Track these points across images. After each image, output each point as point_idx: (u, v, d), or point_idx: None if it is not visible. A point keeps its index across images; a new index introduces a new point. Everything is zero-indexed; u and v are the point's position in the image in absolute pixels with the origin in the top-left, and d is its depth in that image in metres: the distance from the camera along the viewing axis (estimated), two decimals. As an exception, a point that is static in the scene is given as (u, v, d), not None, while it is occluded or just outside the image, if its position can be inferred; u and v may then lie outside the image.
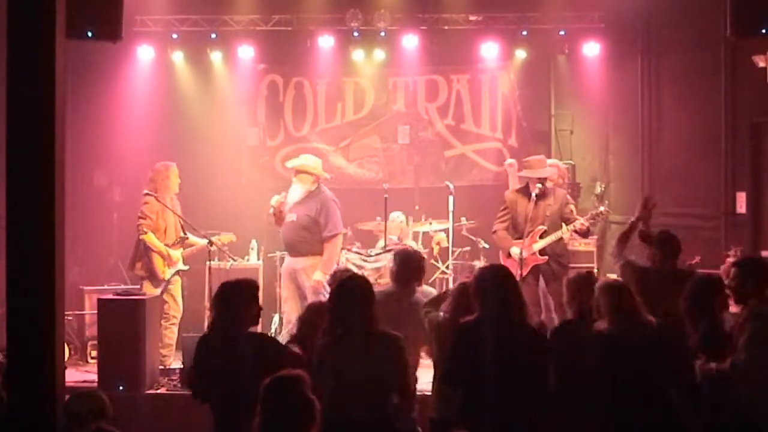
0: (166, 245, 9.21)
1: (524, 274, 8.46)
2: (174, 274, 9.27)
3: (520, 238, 8.64)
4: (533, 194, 8.68)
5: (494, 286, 5.46)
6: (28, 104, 5.28)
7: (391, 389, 5.34)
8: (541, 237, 8.65)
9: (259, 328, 9.24)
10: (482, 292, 5.48)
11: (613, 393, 5.31)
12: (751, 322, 5.47)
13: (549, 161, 9.69)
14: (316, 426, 4.33)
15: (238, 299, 5.64)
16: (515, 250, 8.58)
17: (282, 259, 9.71)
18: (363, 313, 5.35)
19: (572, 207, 8.91)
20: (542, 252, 8.63)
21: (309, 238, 8.94)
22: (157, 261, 9.16)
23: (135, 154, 11.07)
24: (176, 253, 9.26)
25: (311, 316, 6.00)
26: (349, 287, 5.48)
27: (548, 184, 8.91)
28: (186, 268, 9.40)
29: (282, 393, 4.34)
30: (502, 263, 8.84)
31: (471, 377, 5.34)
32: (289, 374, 4.46)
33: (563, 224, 8.66)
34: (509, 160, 10.15)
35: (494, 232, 8.95)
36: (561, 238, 8.70)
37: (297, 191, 9.06)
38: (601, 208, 9.02)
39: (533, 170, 8.85)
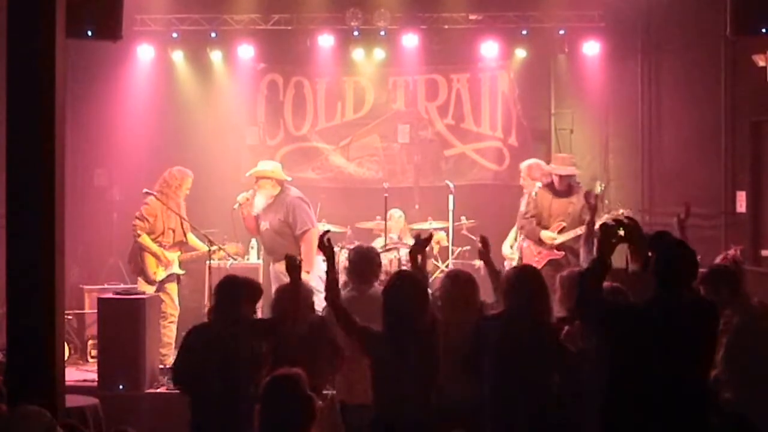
0: (164, 247, 9.22)
1: (541, 266, 8.50)
2: (168, 277, 9.26)
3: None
4: (534, 190, 8.83)
5: (522, 286, 5.56)
6: (28, 104, 5.29)
7: (433, 383, 5.49)
8: (560, 232, 8.75)
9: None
10: (510, 290, 5.58)
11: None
12: (726, 336, 5.52)
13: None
14: (315, 423, 4.37)
15: (241, 295, 5.73)
16: (546, 234, 8.78)
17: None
18: (415, 310, 5.44)
19: None
20: (559, 247, 8.73)
21: (286, 242, 8.99)
22: (149, 262, 9.18)
23: (135, 153, 11.07)
24: (172, 256, 9.26)
25: (280, 301, 6.00)
26: (402, 284, 5.56)
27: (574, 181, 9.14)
28: (182, 272, 9.40)
29: (281, 392, 4.38)
30: (527, 257, 8.95)
31: (490, 368, 5.46)
32: (287, 373, 4.50)
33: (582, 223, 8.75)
34: (528, 162, 10.02)
35: (521, 227, 9.13)
36: (579, 236, 8.75)
37: (261, 198, 9.14)
38: (621, 211, 9.02)
39: (558, 166, 9.03)
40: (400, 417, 5.38)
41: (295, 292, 5.90)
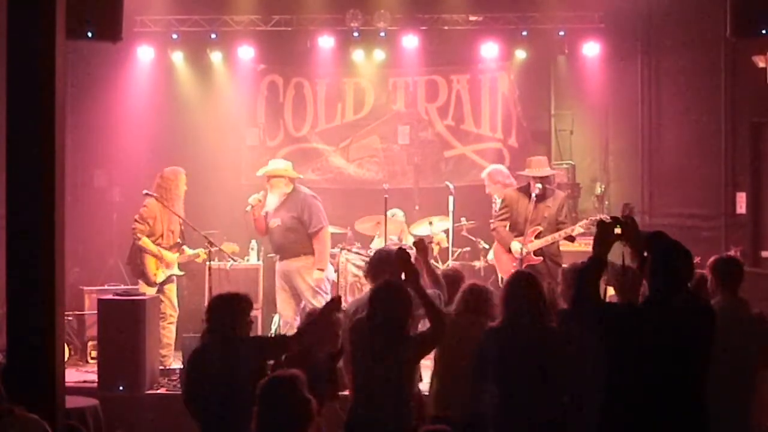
0: (163, 248, 9.22)
1: None
2: (167, 278, 9.26)
3: (518, 236, 8.67)
4: (533, 195, 8.70)
5: (520, 293, 5.61)
6: (28, 104, 5.29)
7: (410, 388, 5.53)
8: (536, 237, 8.67)
9: (260, 329, 9.37)
10: (508, 298, 5.63)
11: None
12: None
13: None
14: (313, 425, 4.36)
15: (234, 310, 5.68)
16: (516, 246, 8.60)
17: (282, 260, 9.74)
18: (399, 317, 5.48)
19: (566, 212, 8.92)
20: (536, 252, 8.63)
21: (297, 239, 9.02)
22: (150, 264, 9.17)
23: (135, 154, 11.07)
24: (172, 257, 9.26)
25: (320, 326, 5.97)
26: (388, 293, 5.59)
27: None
28: (181, 273, 9.41)
29: (278, 393, 4.37)
30: (498, 258, 8.91)
31: (498, 377, 5.51)
32: (285, 374, 4.48)
33: (558, 228, 8.68)
34: (489, 169, 10.03)
35: (493, 229, 9.01)
36: (556, 240, 8.69)
37: (274, 196, 9.15)
38: (599, 215, 8.99)
39: (532, 169, 8.89)
40: (374, 419, 5.42)
41: (328, 320, 5.90)
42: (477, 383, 5.66)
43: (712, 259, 6.16)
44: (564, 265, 6.31)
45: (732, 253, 8.80)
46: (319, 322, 5.87)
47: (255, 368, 5.44)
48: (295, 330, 6.28)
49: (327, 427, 5.75)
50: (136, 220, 9.17)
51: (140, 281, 9.27)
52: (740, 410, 5.75)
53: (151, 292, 9.10)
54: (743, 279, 6.07)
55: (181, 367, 8.23)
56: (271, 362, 5.73)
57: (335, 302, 5.97)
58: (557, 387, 5.51)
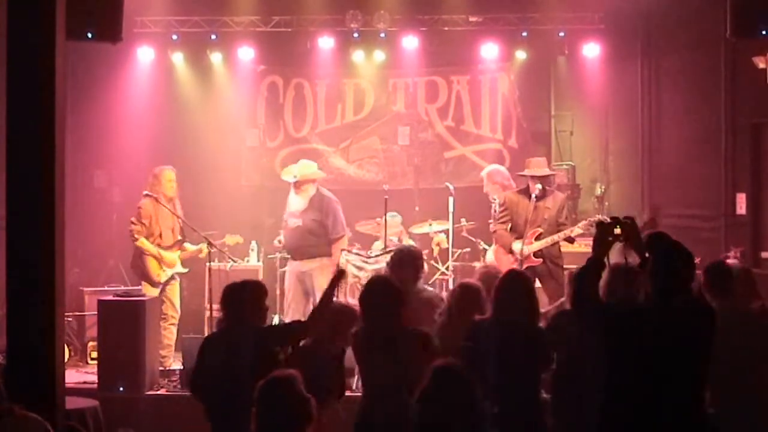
0: (163, 248, 9.22)
1: None
2: (171, 277, 9.27)
3: (518, 238, 8.66)
4: (533, 195, 8.68)
5: (511, 291, 5.72)
6: (28, 104, 5.29)
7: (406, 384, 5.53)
8: (536, 239, 8.65)
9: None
10: (499, 295, 5.73)
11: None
12: None
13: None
14: (312, 424, 4.36)
15: (242, 298, 5.68)
16: (517, 246, 8.59)
17: (282, 260, 9.73)
18: (389, 311, 5.54)
19: (566, 213, 8.90)
20: (537, 254, 8.62)
21: (316, 242, 9.06)
22: (151, 265, 9.18)
23: (135, 155, 11.06)
24: (173, 256, 9.26)
25: (333, 317, 5.99)
26: (376, 286, 5.70)
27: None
28: (185, 270, 9.43)
29: (277, 393, 4.37)
30: (499, 260, 8.91)
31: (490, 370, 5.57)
32: (283, 374, 4.49)
33: (559, 229, 8.67)
34: (489, 168, 10.05)
35: (494, 231, 9.01)
36: (556, 241, 8.68)
37: (301, 199, 9.17)
38: (598, 216, 8.96)
39: (531, 169, 8.88)
40: (376, 414, 5.50)
41: (353, 315, 5.93)
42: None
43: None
44: (571, 272, 6.28)
45: (732, 254, 8.83)
46: (326, 297, 5.89)
47: (261, 356, 5.46)
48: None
49: (328, 427, 5.74)
50: (132, 222, 9.20)
51: (143, 282, 9.27)
52: (741, 410, 5.75)
53: (154, 292, 9.12)
54: (742, 280, 6.08)
55: (182, 368, 8.26)
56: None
57: (340, 275, 6.00)
58: (537, 386, 5.67)
